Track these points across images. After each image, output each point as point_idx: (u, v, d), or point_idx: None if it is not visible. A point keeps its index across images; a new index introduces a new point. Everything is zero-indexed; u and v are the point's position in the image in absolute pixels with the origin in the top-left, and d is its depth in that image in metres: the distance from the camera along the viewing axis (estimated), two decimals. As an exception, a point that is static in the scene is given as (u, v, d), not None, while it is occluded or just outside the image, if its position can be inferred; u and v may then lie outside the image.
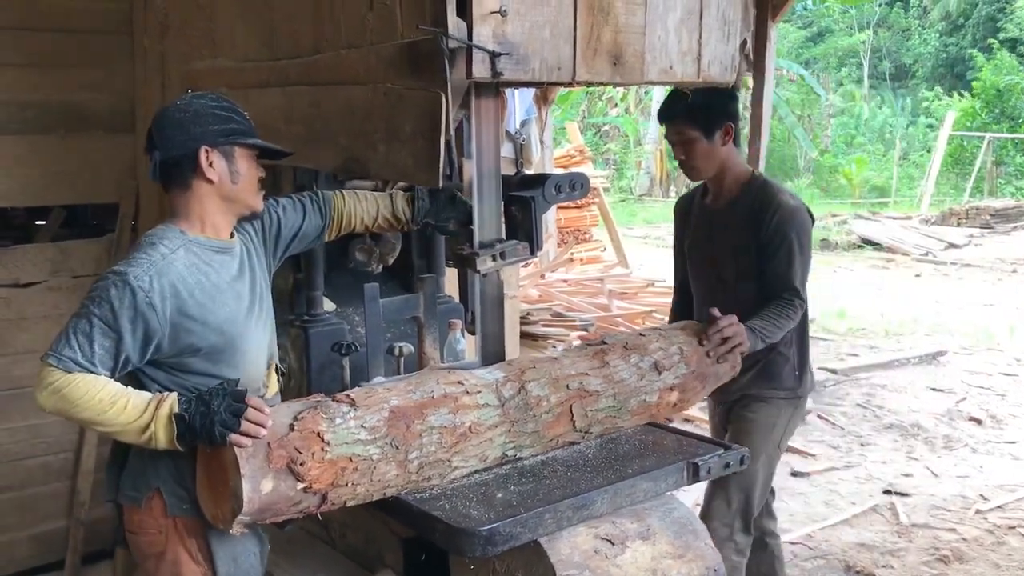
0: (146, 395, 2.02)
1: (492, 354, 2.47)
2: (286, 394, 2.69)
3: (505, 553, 2.09)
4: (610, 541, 2.20)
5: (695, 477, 2.39)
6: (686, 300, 3.29)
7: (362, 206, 2.52)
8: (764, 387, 3.04)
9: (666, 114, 2.98)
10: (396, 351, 2.66)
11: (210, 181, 2.14)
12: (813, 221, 3.05)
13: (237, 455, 1.93)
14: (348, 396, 2.14)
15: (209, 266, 2.15)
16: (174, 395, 2.01)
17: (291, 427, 2.00)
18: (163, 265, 2.06)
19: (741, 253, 2.98)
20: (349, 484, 2.04)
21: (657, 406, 2.58)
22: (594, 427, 2.45)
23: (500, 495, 2.19)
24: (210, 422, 1.93)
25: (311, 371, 2.74)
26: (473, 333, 2.49)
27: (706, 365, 2.68)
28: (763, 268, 2.94)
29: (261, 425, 1.95)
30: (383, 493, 2.12)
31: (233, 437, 1.93)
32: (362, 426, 2.06)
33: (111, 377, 2.02)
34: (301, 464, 1.96)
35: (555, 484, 2.25)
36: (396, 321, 2.78)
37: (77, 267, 3.88)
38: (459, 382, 2.27)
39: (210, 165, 2.13)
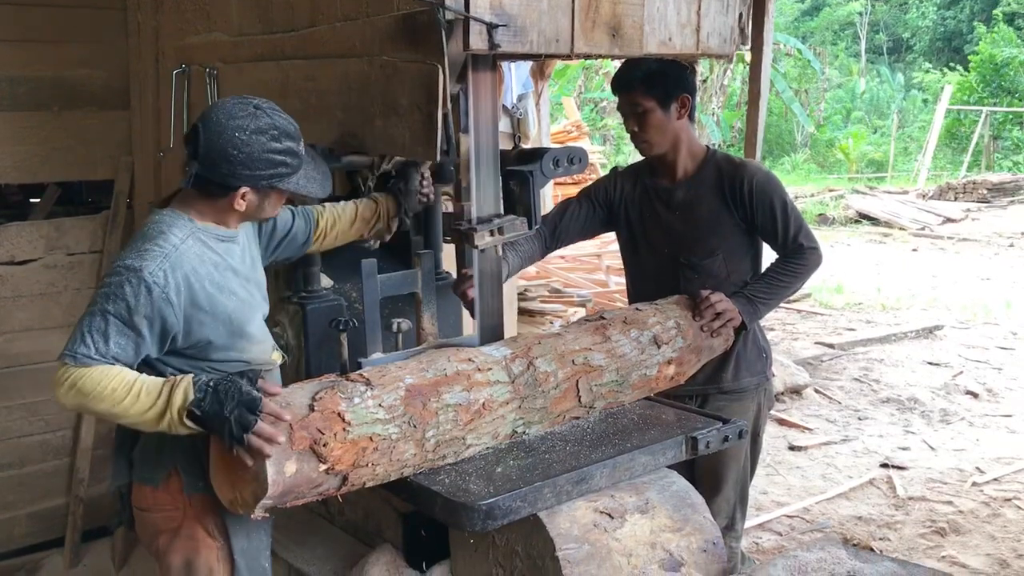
0: (159, 381, 1.98)
1: (490, 330, 2.46)
2: (283, 371, 2.69)
3: (504, 527, 2.10)
4: (609, 515, 2.21)
5: (694, 451, 2.39)
6: (550, 240, 3.01)
7: (343, 216, 2.55)
8: (735, 377, 2.96)
9: (621, 83, 2.82)
10: (394, 327, 2.65)
11: (237, 209, 2.13)
12: None
13: None
14: (361, 375, 2.12)
15: (217, 255, 2.13)
16: (188, 380, 1.96)
17: (311, 408, 1.98)
18: (176, 257, 2.03)
19: (713, 229, 2.88)
20: (369, 464, 2.03)
21: (656, 379, 2.60)
22: (598, 402, 2.45)
23: (499, 469, 2.19)
24: (220, 426, 1.90)
25: (309, 347, 2.73)
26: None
27: (701, 339, 2.70)
28: (763, 238, 2.91)
29: (272, 440, 1.89)
30: (400, 472, 2.11)
31: (238, 451, 1.90)
32: (380, 405, 2.05)
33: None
34: (324, 445, 1.95)
35: (554, 458, 2.25)
36: (394, 297, 2.77)
37: (72, 244, 3.87)
38: (470, 359, 2.26)
39: (242, 198, 2.10)
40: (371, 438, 2.02)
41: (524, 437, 2.34)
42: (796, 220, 2.85)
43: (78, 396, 1.95)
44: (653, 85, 2.77)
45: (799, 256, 2.85)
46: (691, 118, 2.89)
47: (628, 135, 2.92)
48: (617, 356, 2.48)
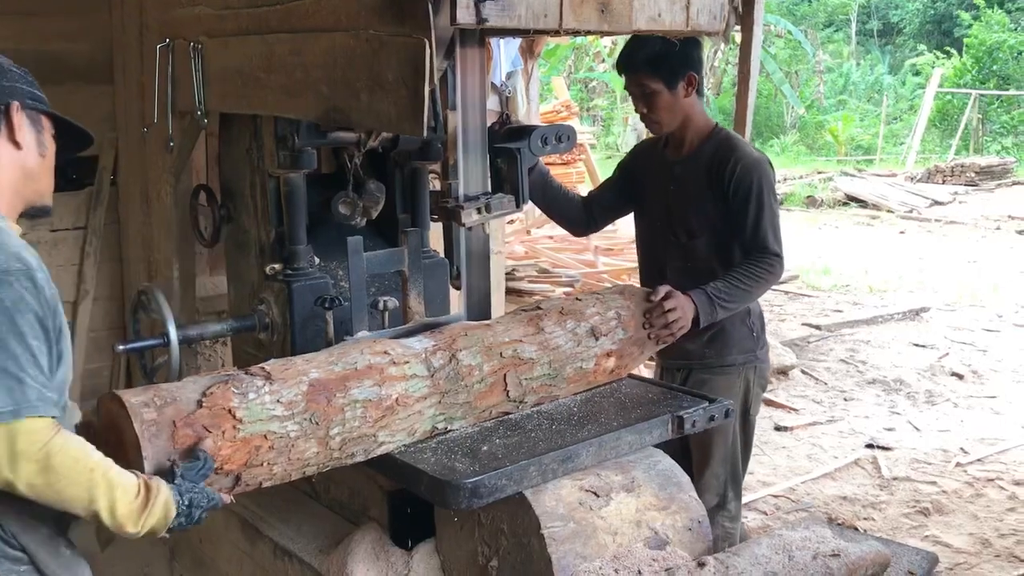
0: (126, 473, 1.64)
1: (477, 309, 2.45)
2: (268, 349, 2.67)
3: (490, 505, 2.09)
4: (595, 493, 2.21)
5: (680, 430, 2.38)
6: (590, 213, 3.14)
7: None
8: (720, 354, 2.92)
9: (626, 64, 2.79)
10: (380, 305, 2.63)
11: (17, 146, 1.80)
12: (773, 172, 2.87)
13: (139, 434, 1.77)
14: (263, 369, 2.02)
15: (45, 272, 1.75)
16: (167, 495, 1.67)
17: (199, 404, 1.87)
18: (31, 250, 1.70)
19: (697, 209, 2.84)
20: (265, 464, 1.93)
21: (594, 372, 2.50)
22: (529, 396, 2.37)
23: (485, 448, 2.18)
24: (181, 528, 1.71)
25: (294, 326, 2.71)
26: (458, 288, 2.47)
27: (644, 331, 2.59)
28: (730, 227, 2.82)
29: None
30: (303, 472, 2.04)
31: None
32: (278, 401, 1.95)
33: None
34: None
35: (540, 437, 2.25)
36: (380, 275, 2.75)
37: (56, 221, 3.82)
38: (385, 352, 2.18)
39: (19, 125, 1.80)
40: (265, 436, 1.92)
41: (510, 416, 2.33)
42: (770, 217, 2.77)
43: (48, 476, 1.53)
44: (658, 66, 2.73)
45: (763, 260, 2.74)
46: (699, 93, 2.85)
47: (629, 115, 2.93)
48: (550, 348, 2.39)
